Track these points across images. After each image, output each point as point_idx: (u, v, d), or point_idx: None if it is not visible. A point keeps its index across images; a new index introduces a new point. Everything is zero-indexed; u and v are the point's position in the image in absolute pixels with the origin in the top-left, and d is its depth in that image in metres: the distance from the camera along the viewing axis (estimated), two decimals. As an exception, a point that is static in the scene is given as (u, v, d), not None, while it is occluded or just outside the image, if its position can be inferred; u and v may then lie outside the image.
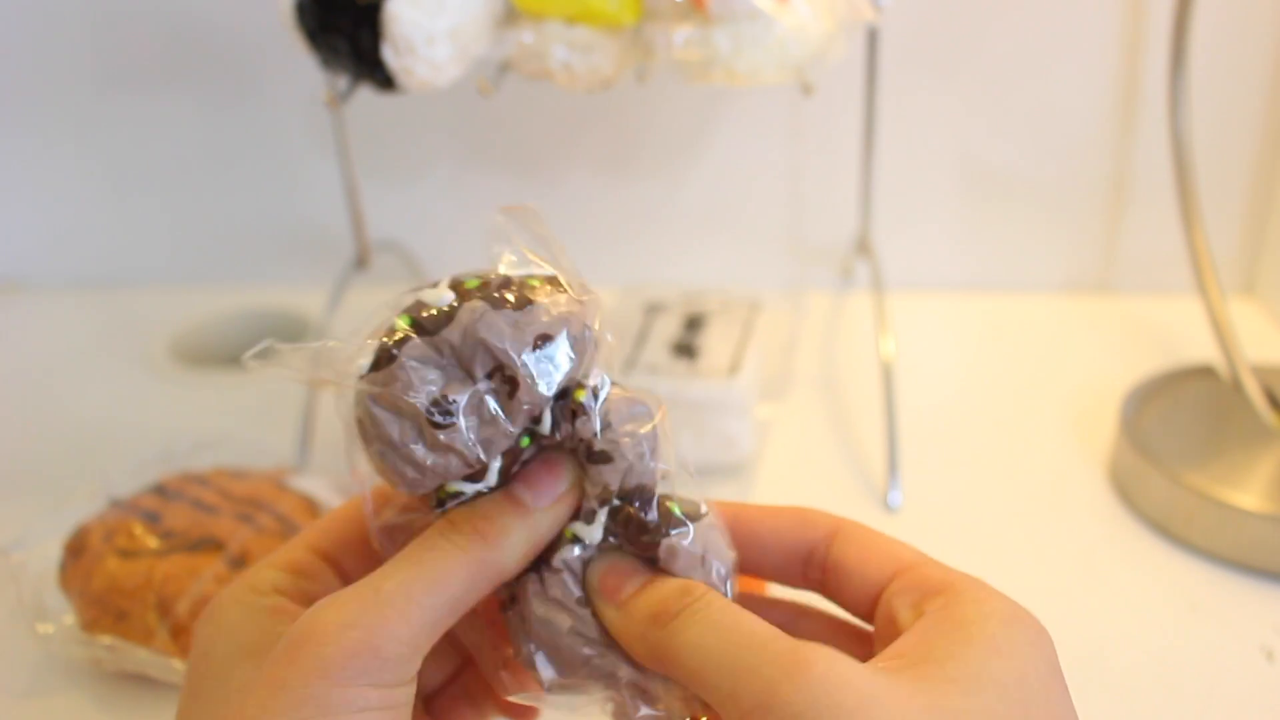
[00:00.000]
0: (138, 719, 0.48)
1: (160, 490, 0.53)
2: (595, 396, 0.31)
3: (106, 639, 0.47)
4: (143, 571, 0.47)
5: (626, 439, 0.31)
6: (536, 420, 0.31)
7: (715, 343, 0.65)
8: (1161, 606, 0.51)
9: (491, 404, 0.30)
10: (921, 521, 0.58)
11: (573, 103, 0.76)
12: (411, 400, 0.30)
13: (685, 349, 0.64)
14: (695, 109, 0.76)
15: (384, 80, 0.52)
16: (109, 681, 0.49)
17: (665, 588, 0.30)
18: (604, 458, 0.31)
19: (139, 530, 0.49)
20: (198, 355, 0.79)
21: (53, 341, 0.82)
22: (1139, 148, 0.74)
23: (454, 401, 0.30)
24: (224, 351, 0.81)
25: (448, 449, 0.30)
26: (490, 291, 0.31)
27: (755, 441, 0.64)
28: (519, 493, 0.31)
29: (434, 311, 0.31)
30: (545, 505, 0.31)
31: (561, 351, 0.30)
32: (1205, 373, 0.63)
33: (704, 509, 0.32)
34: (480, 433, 0.30)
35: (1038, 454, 0.63)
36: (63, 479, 0.63)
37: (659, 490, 0.32)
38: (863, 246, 0.73)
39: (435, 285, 0.31)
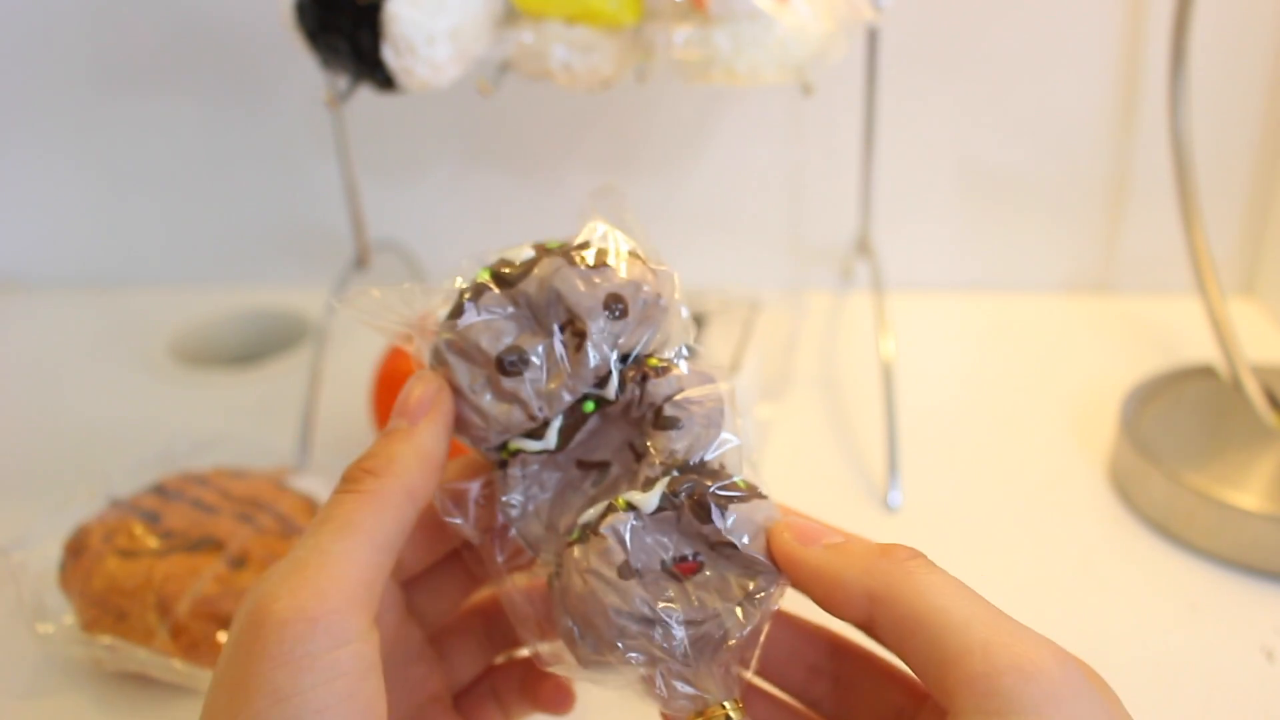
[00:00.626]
0: (138, 719, 0.48)
1: (160, 490, 0.53)
2: (664, 362, 0.32)
3: (106, 639, 0.47)
4: (143, 571, 0.47)
5: (696, 407, 0.31)
6: (602, 385, 0.31)
7: (715, 343, 0.65)
8: (1161, 606, 0.51)
9: (560, 357, 0.31)
10: (921, 521, 0.58)
11: (573, 103, 0.76)
12: (484, 347, 0.31)
13: (685, 348, 0.64)
14: (695, 109, 0.76)
15: (384, 80, 0.52)
16: (109, 681, 0.49)
17: (883, 543, 0.29)
18: (672, 423, 0.31)
19: (139, 530, 0.49)
20: (198, 355, 0.79)
21: (53, 341, 0.82)
22: (1139, 148, 0.74)
23: (524, 351, 0.31)
24: (224, 351, 0.81)
25: (512, 398, 0.31)
26: (569, 251, 0.32)
27: (755, 441, 0.64)
28: (392, 422, 0.31)
29: (513, 265, 0.32)
30: (420, 420, 0.31)
31: (632, 313, 0.31)
32: (1205, 373, 0.63)
33: (764, 491, 0.31)
34: (545, 385, 0.31)
35: (1038, 454, 0.63)
36: (63, 479, 0.63)
37: (724, 463, 0.31)
38: (863, 246, 0.73)
39: (520, 246, 0.33)
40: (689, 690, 0.30)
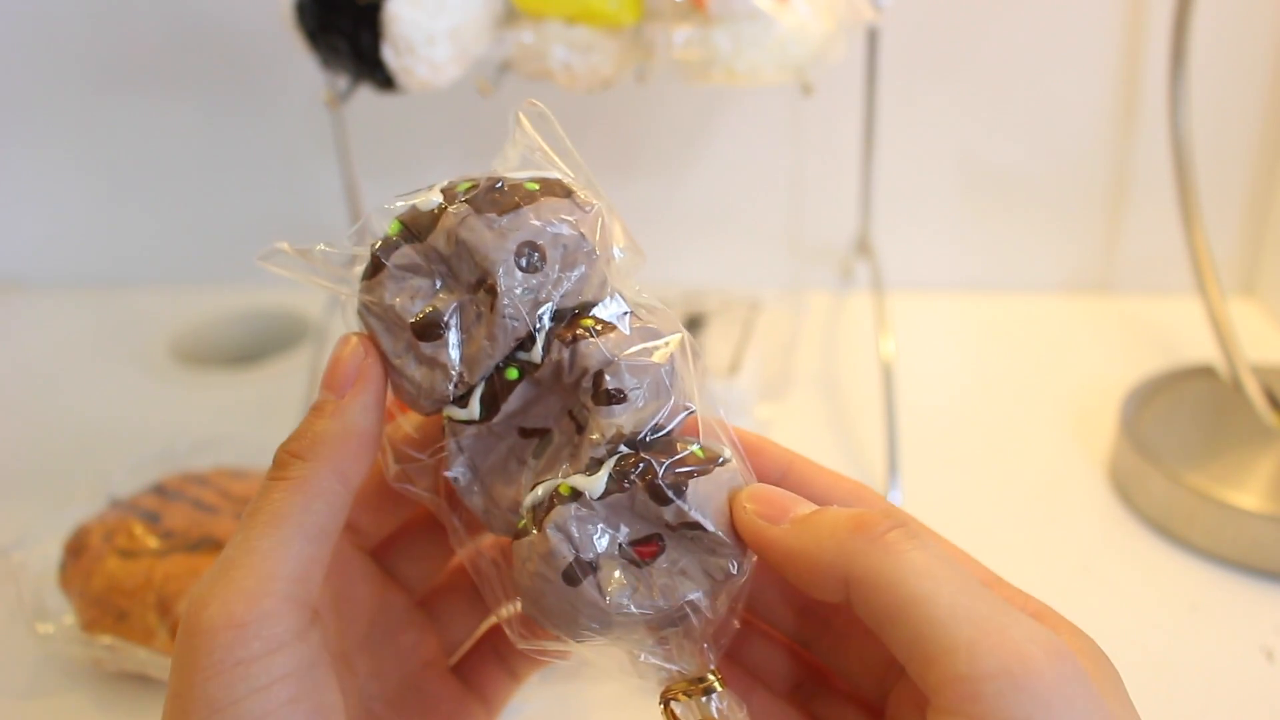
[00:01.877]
0: (138, 719, 0.48)
1: (160, 490, 0.53)
2: (599, 321, 0.28)
3: (106, 639, 0.47)
4: (143, 571, 0.47)
5: (639, 374, 0.27)
6: (526, 347, 0.28)
7: (715, 343, 0.65)
8: (1161, 606, 0.51)
9: (476, 318, 0.28)
10: (921, 521, 0.58)
11: (573, 103, 0.76)
12: (399, 311, 0.28)
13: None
14: (695, 109, 0.76)
15: (384, 80, 0.52)
16: (109, 681, 0.49)
17: (855, 510, 0.26)
18: (613, 398, 0.27)
19: (139, 530, 0.49)
20: (198, 355, 0.79)
21: (53, 341, 0.82)
22: (1139, 148, 0.74)
23: (439, 312, 0.28)
24: (224, 351, 0.81)
25: (433, 363, 0.28)
26: (478, 194, 0.28)
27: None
28: (319, 397, 0.29)
29: (422, 216, 0.28)
30: (346, 392, 0.29)
31: (550, 261, 0.27)
32: (1205, 373, 0.63)
33: (727, 453, 0.28)
34: (464, 348, 0.28)
35: (1038, 454, 0.63)
36: (63, 479, 0.63)
37: (677, 430, 0.28)
38: (863, 246, 0.73)
39: (430, 189, 0.29)
40: (662, 665, 0.28)
